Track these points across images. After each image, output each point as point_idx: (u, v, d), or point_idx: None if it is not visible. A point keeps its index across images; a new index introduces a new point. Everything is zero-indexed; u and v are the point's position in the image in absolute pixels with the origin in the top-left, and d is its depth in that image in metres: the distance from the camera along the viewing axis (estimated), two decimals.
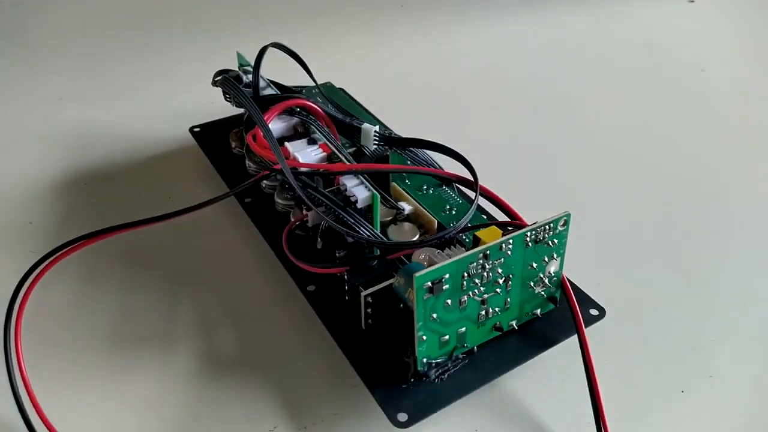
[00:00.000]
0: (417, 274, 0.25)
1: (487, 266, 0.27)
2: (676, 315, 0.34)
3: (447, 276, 0.26)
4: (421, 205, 0.34)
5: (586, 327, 0.29)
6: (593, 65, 0.59)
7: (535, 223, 0.28)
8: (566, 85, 0.56)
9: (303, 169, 0.32)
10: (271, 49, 0.39)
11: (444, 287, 0.26)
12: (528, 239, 0.27)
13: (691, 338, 0.32)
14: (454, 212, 0.35)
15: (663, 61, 0.60)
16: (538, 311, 0.30)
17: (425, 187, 0.37)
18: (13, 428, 0.28)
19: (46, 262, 0.29)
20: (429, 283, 0.25)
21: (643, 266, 0.37)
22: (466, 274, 0.26)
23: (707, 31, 0.67)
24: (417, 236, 0.33)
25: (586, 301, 0.31)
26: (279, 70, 0.41)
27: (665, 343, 0.32)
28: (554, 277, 0.30)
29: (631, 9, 0.70)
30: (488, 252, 0.26)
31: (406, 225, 0.34)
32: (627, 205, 0.42)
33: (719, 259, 0.37)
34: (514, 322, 0.29)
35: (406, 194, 0.35)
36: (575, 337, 0.29)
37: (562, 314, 0.30)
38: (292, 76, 0.42)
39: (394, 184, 0.36)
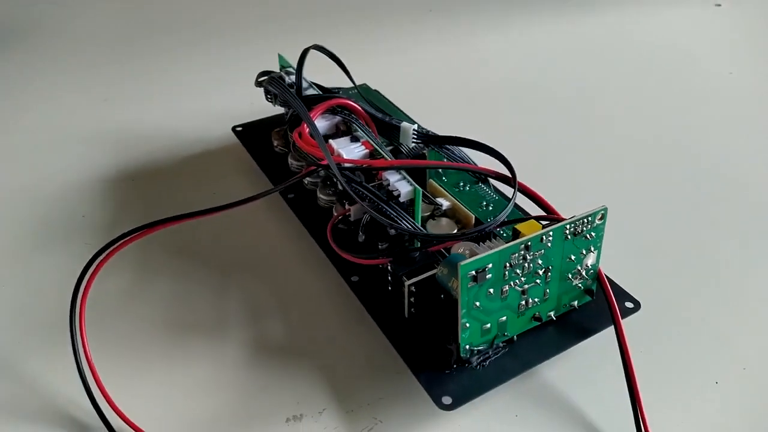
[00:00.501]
0: (462, 263, 0.26)
1: (528, 257, 0.28)
2: (709, 308, 0.34)
3: (490, 265, 0.27)
4: (458, 201, 0.35)
5: (621, 319, 0.30)
6: (621, 67, 0.60)
7: (573, 217, 0.29)
8: (595, 86, 0.57)
9: (347, 165, 0.34)
10: (310, 51, 0.41)
11: (487, 276, 0.27)
12: (567, 232, 0.28)
13: (725, 331, 0.33)
14: (490, 208, 0.36)
15: (691, 64, 0.61)
16: (576, 303, 0.31)
17: (461, 183, 0.38)
18: (81, 408, 0.29)
19: (106, 253, 0.30)
20: (473, 272, 0.26)
21: (677, 260, 0.38)
22: (508, 264, 0.27)
23: (734, 35, 0.67)
24: (455, 231, 0.34)
25: (621, 294, 0.32)
26: (313, 72, 0.43)
27: (699, 336, 0.33)
28: (591, 269, 0.31)
29: (658, 13, 0.71)
30: (530, 243, 0.27)
31: (444, 220, 0.35)
32: (659, 201, 0.42)
33: (752, 253, 0.38)
34: (552, 313, 0.31)
35: (443, 191, 0.36)
36: (611, 329, 0.30)
37: (599, 306, 0.31)
38: (326, 77, 0.44)
39: (431, 180, 0.37)
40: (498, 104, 0.55)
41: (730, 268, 0.37)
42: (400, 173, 0.33)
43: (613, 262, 0.33)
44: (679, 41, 0.65)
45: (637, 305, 0.32)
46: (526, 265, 0.28)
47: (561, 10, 0.72)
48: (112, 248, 0.30)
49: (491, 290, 0.28)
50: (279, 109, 0.43)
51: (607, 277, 0.32)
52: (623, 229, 0.39)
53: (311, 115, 0.36)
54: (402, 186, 0.32)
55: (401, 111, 0.47)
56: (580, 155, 0.48)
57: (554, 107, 0.54)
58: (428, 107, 0.52)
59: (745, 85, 0.57)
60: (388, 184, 0.32)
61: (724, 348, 0.32)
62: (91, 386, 0.29)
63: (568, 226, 0.28)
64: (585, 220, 0.29)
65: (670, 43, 0.65)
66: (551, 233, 0.28)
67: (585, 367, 0.31)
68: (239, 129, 0.46)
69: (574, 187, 0.44)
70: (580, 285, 0.31)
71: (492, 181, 0.37)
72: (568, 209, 0.32)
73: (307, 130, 0.35)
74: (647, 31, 0.67)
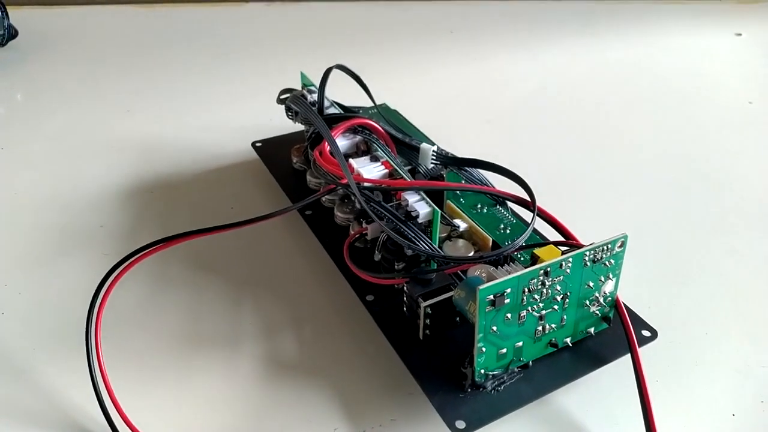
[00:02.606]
0: (481, 287, 0.26)
1: (547, 283, 0.28)
2: (727, 339, 0.34)
3: (509, 290, 0.27)
4: (476, 223, 0.35)
5: (638, 347, 0.29)
6: (642, 93, 0.60)
7: (593, 243, 0.29)
8: (614, 112, 0.57)
9: (366, 184, 0.34)
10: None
11: (505, 301, 0.27)
12: (587, 258, 0.28)
13: (743, 363, 0.33)
14: (508, 231, 0.36)
15: (711, 93, 0.61)
16: (592, 330, 0.31)
17: (479, 205, 0.38)
18: (93, 419, 0.30)
19: (123, 266, 0.30)
20: (491, 296, 0.26)
21: (695, 290, 0.37)
22: (526, 290, 0.27)
23: (754, 64, 0.67)
24: (472, 252, 0.34)
25: (638, 322, 0.32)
26: (334, 90, 0.43)
27: (717, 366, 0.33)
28: (609, 297, 0.30)
29: (679, 41, 0.71)
30: (549, 269, 0.27)
31: (461, 241, 0.35)
32: (679, 228, 0.42)
33: None
34: (568, 339, 0.30)
35: (461, 212, 0.36)
36: (627, 357, 0.30)
37: (615, 333, 0.31)
38: (346, 95, 0.44)
39: (449, 201, 0.37)
40: (518, 126, 0.55)
41: (752, 299, 0.37)
42: (419, 194, 0.33)
43: (631, 288, 0.33)
44: (700, 70, 0.65)
45: (654, 334, 0.31)
46: (545, 290, 0.28)
47: (582, 33, 0.72)
48: (129, 261, 0.30)
49: (509, 315, 0.27)
50: (298, 126, 0.43)
51: (624, 304, 0.31)
52: (642, 256, 0.39)
53: (332, 134, 0.36)
54: (421, 207, 0.32)
55: (420, 131, 0.47)
56: (599, 179, 0.47)
57: (575, 131, 0.54)
58: (448, 127, 0.52)
59: (764, 115, 0.57)
60: (407, 205, 0.33)
61: (743, 380, 0.32)
62: (103, 397, 0.29)
63: (587, 253, 0.28)
64: (605, 247, 0.29)
65: (690, 72, 0.65)
66: (571, 259, 0.28)
67: (600, 395, 0.31)
68: (259, 144, 0.46)
69: (593, 211, 0.44)
70: (597, 312, 0.31)
71: (510, 204, 0.38)
72: (587, 233, 0.32)
73: (328, 148, 0.35)
74: (669, 58, 0.67)
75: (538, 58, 0.67)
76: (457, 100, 0.59)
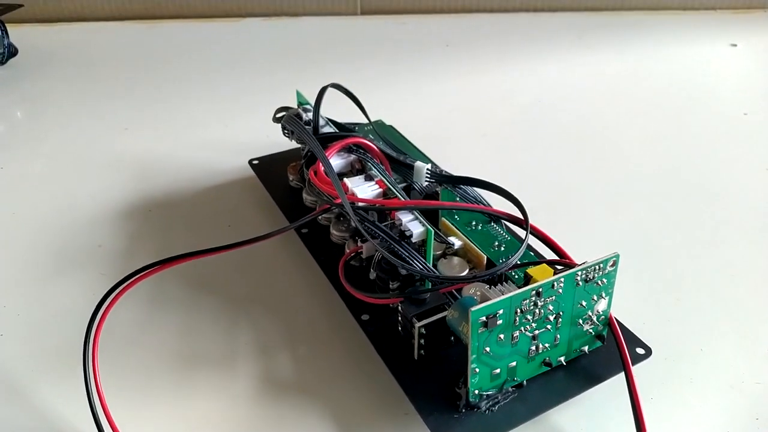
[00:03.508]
0: (473, 309, 0.26)
1: (539, 303, 0.28)
2: (722, 355, 0.34)
3: (501, 311, 0.27)
4: (470, 240, 0.35)
5: (632, 365, 0.30)
6: (636, 105, 0.61)
7: (585, 263, 0.29)
8: (609, 124, 0.57)
9: (360, 204, 0.34)
10: (324, 82, 0.41)
11: (498, 322, 0.27)
12: (579, 278, 0.29)
13: (737, 379, 0.33)
14: (502, 248, 0.36)
15: (706, 104, 0.61)
16: (586, 348, 0.31)
17: (474, 223, 0.38)
18: None
19: (120, 288, 0.31)
20: (484, 318, 0.26)
21: (691, 305, 0.37)
22: (519, 310, 0.27)
23: (750, 75, 0.67)
24: (466, 270, 0.34)
25: (633, 340, 0.32)
26: (330, 106, 0.44)
27: (711, 383, 0.33)
28: (602, 315, 0.31)
29: (674, 51, 0.71)
30: (541, 290, 0.28)
31: (456, 259, 0.35)
32: (673, 244, 0.42)
33: (766, 301, 0.38)
34: (562, 358, 0.30)
35: (455, 229, 0.36)
36: (621, 375, 0.30)
37: (609, 351, 0.31)
38: (342, 111, 0.45)
39: (443, 219, 0.37)
40: (514, 139, 0.55)
41: (747, 314, 0.37)
42: (413, 213, 0.33)
43: (625, 306, 0.33)
44: (695, 80, 0.66)
45: (649, 351, 0.31)
46: (537, 311, 0.28)
47: (577, 45, 0.72)
48: (126, 283, 0.31)
49: (502, 336, 0.28)
50: (295, 143, 0.44)
51: (618, 322, 0.32)
52: (637, 271, 0.39)
53: (327, 153, 0.36)
54: (414, 226, 0.32)
55: (415, 147, 0.47)
56: (593, 195, 0.48)
57: (570, 143, 0.54)
58: (443, 141, 0.52)
59: (759, 125, 0.57)
60: (401, 224, 0.33)
61: (738, 396, 0.32)
62: (99, 417, 0.29)
63: (579, 273, 0.28)
64: (597, 267, 0.29)
65: (686, 82, 0.65)
66: (563, 279, 0.28)
67: (595, 414, 0.31)
68: (255, 162, 0.47)
69: (588, 226, 0.44)
70: (590, 330, 0.31)
71: (506, 222, 0.38)
72: (581, 250, 0.32)
73: (322, 168, 0.36)
74: (663, 69, 0.68)
75: (534, 70, 0.67)
76: (453, 113, 0.59)
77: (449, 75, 0.67)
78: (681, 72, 0.67)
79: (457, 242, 0.36)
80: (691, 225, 0.44)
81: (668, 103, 0.61)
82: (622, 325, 0.32)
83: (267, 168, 0.46)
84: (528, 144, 0.54)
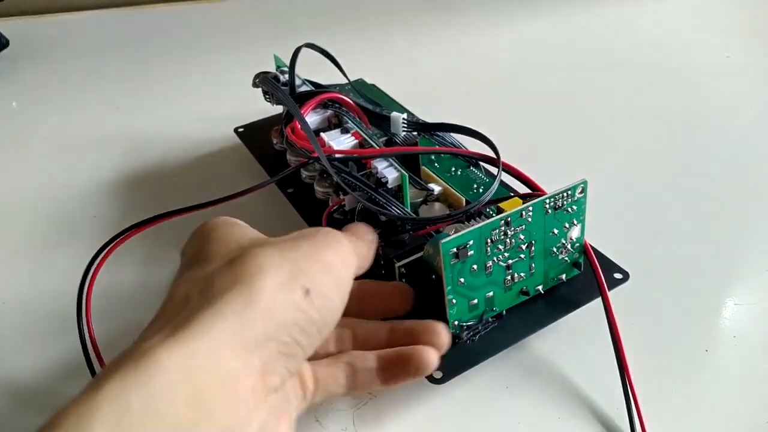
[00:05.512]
0: (443, 241, 0.27)
1: (509, 233, 0.29)
2: (699, 278, 0.35)
3: (471, 242, 0.28)
4: (449, 185, 0.36)
5: (610, 290, 0.30)
6: (616, 56, 0.61)
7: (554, 192, 0.29)
8: (589, 75, 0.58)
9: (337, 156, 0.35)
10: (307, 52, 0.42)
11: (469, 253, 0.28)
12: (547, 206, 0.29)
13: (715, 300, 0.34)
14: (481, 190, 0.37)
15: (687, 49, 0.61)
16: (564, 276, 0.32)
17: (453, 169, 0.39)
18: None
19: (112, 245, 0.32)
20: (454, 249, 0.27)
21: (666, 230, 0.38)
22: (489, 240, 0.28)
23: (730, 19, 0.67)
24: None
25: (610, 266, 0.33)
26: (315, 71, 0.44)
27: (689, 305, 0.33)
28: (576, 242, 0.31)
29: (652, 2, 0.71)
30: (510, 219, 0.28)
31: (437, 205, 0.36)
32: (652, 175, 0.43)
33: (742, 222, 0.38)
34: (540, 287, 0.31)
35: (435, 177, 0.37)
36: (599, 301, 0.31)
37: (587, 279, 0.32)
38: (327, 75, 0.45)
39: (424, 167, 0.38)
40: (495, 97, 0.55)
41: (720, 236, 0.38)
42: (387, 160, 0.34)
43: (603, 234, 0.34)
44: (676, 27, 0.65)
45: (626, 276, 0.32)
46: (508, 240, 0.29)
47: (554, 7, 0.72)
48: (116, 240, 0.32)
49: (475, 266, 0.28)
50: (279, 109, 0.44)
51: (595, 249, 0.32)
52: (614, 202, 0.40)
53: (302, 110, 0.37)
54: (389, 172, 0.33)
55: (398, 103, 0.48)
56: (573, 137, 0.49)
57: (555, 98, 0.54)
58: (425, 100, 0.52)
59: (741, 67, 0.57)
60: (377, 172, 0.34)
61: (714, 316, 0.33)
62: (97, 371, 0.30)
63: (547, 201, 0.29)
64: (565, 194, 0.30)
65: (667, 29, 0.65)
66: (531, 208, 0.29)
67: (574, 339, 0.32)
68: (241, 130, 0.48)
69: (565, 166, 0.44)
70: (566, 258, 0.31)
71: (485, 165, 0.38)
72: (557, 186, 0.33)
73: (299, 125, 0.36)
74: (644, 18, 0.67)
75: (516, 29, 0.67)
76: (437, 73, 0.60)
77: (432, 35, 0.67)
78: (662, 19, 0.67)
79: (437, 188, 0.36)
80: (669, 158, 0.45)
81: (651, 51, 0.61)
82: (600, 252, 0.33)
83: (252, 134, 0.47)
84: (512, 100, 0.55)
